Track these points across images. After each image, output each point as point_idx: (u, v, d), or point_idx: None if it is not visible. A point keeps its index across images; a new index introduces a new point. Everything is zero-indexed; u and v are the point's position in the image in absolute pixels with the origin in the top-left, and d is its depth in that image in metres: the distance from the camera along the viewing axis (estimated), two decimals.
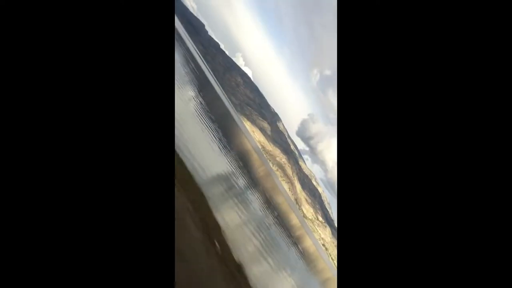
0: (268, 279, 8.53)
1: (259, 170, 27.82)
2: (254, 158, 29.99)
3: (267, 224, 12.73)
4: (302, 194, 79.13)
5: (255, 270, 7.89)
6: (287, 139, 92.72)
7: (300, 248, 22.20)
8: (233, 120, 28.65)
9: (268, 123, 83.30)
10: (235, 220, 8.30)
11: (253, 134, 65.82)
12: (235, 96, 75.97)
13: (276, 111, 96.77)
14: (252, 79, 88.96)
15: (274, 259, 10.01)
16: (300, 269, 15.20)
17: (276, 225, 15.27)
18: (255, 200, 13.15)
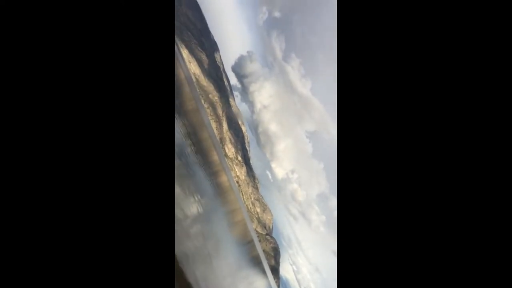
0: (178, 200, 9.64)
1: (189, 103, 27.37)
2: (186, 91, 29.02)
3: (186, 153, 13.53)
4: (227, 134, 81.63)
5: None
6: (222, 73, 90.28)
7: (215, 182, 24.26)
8: None
9: (207, 55, 78.23)
10: None
11: (189, 65, 61.58)
12: (175, 15, 67.39)
13: (215, 39, 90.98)
14: None
15: (186, 185, 11.12)
16: (210, 197, 17.10)
17: (195, 156, 16.27)
18: (177, 126, 13.42)
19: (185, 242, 9.11)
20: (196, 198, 12.11)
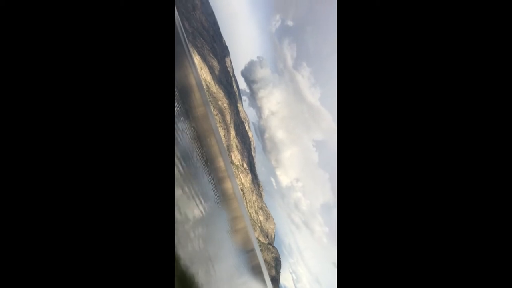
0: (181, 202, 9.75)
1: (198, 109, 27.79)
2: (196, 96, 29.54)
3: (192, 157, 13.66)
4: (234, 141, 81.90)
5: None
6: (232, 78, 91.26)
7: (220, 187, 24.35)
8: (183, 50, 26.90)
9: (218, 61, 79.30)
10: None
11: (201, 72, 62.62)
12: (189, 21, 68.85)
13: (227, 43, 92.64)
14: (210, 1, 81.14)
15: (190, 187, 11.23)
16: (214, 202, 17.16)
17: (202, 160, 16.45)
18: (185, 129, 13.59)
19: (186, 245, 9.14)
20: (199, 202, 12.18)
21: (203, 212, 12.35)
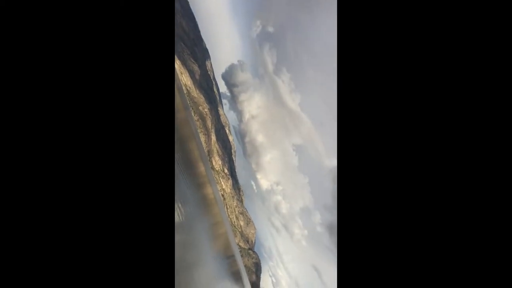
0: None
1: (178, 114, 27.43)
2: (176, 101, 29.20)
3: None
4: (215, 146, 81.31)
5: None
6: (212, 81, 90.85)
7: (200, 193, 24.09)
8: None
9: (199, 65, 78.77)
10: None
11: (181, 76, 61.97)
12: None
13: (207, 46, 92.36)
14: (190, 3, 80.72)
15: None
16: (193, 207, 16.98)
17: (181, 165, 16.28)
18: None
19: None
20: (178, 207, 12.11)
21: (182, 218, 12.23)
